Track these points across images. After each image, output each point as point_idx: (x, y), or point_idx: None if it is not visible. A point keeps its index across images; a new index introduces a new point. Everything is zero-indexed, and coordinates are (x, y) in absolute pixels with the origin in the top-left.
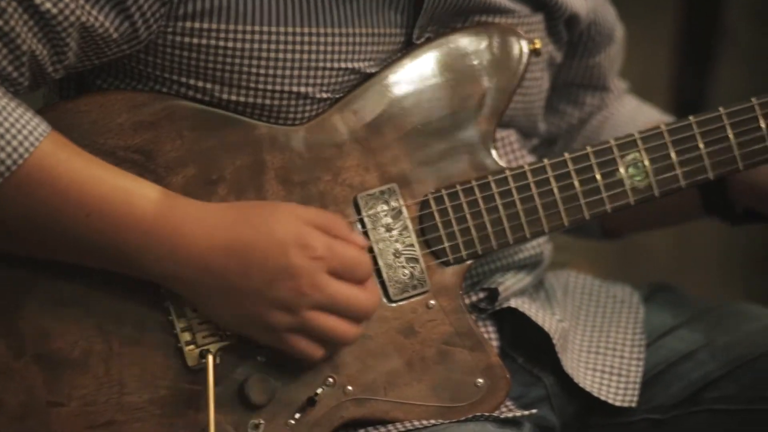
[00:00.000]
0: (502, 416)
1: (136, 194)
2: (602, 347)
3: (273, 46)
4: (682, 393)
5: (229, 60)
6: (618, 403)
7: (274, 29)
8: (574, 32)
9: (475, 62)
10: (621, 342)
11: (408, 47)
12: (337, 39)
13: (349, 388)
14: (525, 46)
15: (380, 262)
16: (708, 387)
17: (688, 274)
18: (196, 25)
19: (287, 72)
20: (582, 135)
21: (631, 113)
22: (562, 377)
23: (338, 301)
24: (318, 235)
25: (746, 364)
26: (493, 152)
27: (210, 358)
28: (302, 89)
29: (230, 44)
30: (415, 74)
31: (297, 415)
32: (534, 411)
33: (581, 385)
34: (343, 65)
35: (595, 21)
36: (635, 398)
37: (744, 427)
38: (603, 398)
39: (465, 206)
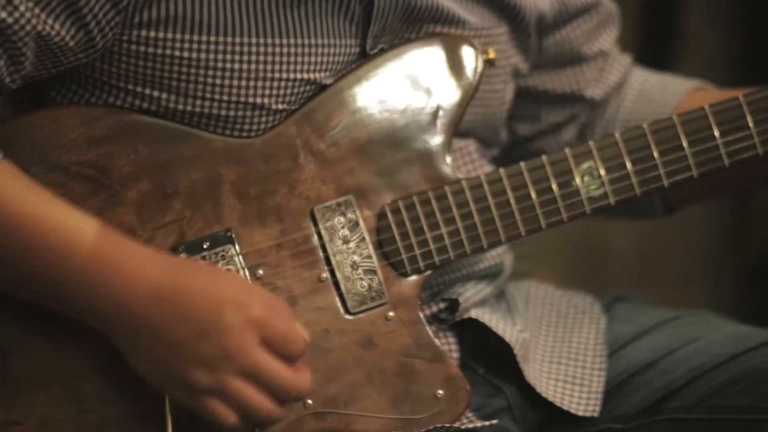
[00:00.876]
0: (462, 427)
1: (78, 233)
2: (564, 357)
3: (228, 57)
4: (644, 402)
5: (184, 70)
6: (580, 413)
7: (229, 39)
8: (543, 26)
9: (429, 73)
10: (583, 352)
11: (363, 58)
12: (292, 50)
13: (309, 401)
14: (478, 57)
15: (338, 275)
16: (669, 396)
17: (650, 283)
18: (152, 34)
19: (243, 83)
20: (606, 114)
21: (659, 86)
22: (523, 387)
23: (263, 371)
24: (259, 301)
25: (707, 374)
26: (450, 163)
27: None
28: (258, 100)
29: (185, 54)
30: (369, 86)
31: (257, 430)
32: (494, 422)
33: (543, 395)
34: (298, 76)
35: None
36: (597, 408)
37: None
38: (565, 408)
39: (422, 217)
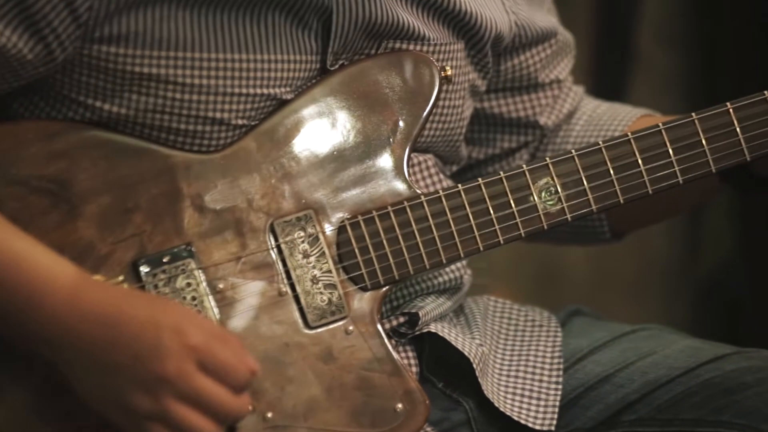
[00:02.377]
0: None
1: (21, 254)
2: (521, 371)
3: (188, 72)
4: (600, 416)
5: (144, 84)
6: (537, 427)
7: (189, 55)
8: (500, 47)
9: (387, 89)
10: (540, 366)
11: (323, 73)
12: (252, 65)
13: (269, 415)
14: (436, 73)
15: (298, 289)
16: (625, 410)
17: (606, 297)
18: (112, 49)
19: (203, 98)
20: (556, 139)
21: (609, 113)
22: (482, 401)
23: (202, 396)
24: (199, 329)
25: (662, 387)
26: (409, 178)
27: None
28: (218, 115)
29: (145, 69)
30: (329, 101)
31: None
32: None
33: (501, 408)
34: (258, 91)
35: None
36: (554, 422)
37: None
38: (523, 422)
39: (381, 232)
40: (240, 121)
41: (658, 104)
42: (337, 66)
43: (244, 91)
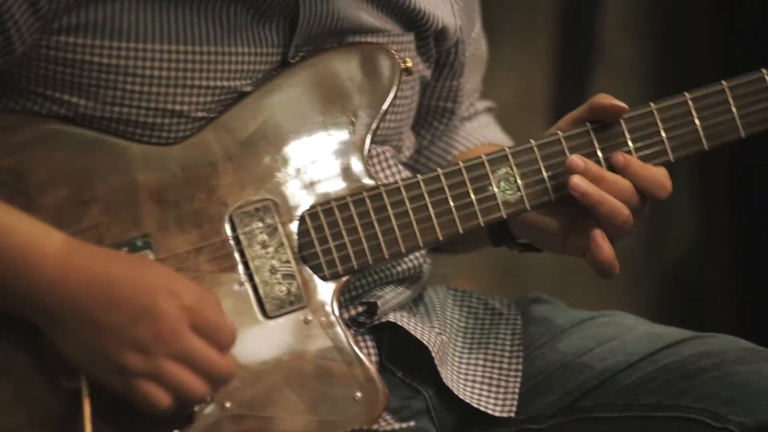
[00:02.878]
0: (380, 430)
1: (9, 225)
2: (481, 359)
3: (148, 63)
4: (559, 402)
5: (103, 76)
6: (497, 414)
7: (149, 46)
8: (442, 49)
9: (348, 81)
10: (500, 353)
11: (283, 66)
12: (213, 57)
13: (228, 404)
14: (396, 65)
15: (256, 279)
16: (585, 396)
17: (569, 286)
18: (71, 39)
19: (162, 89)
20: (424, 159)
21: (484, 131)
22: (442, 389)
23: (195, 355)
24: (191, 290)
25: (621, 372)
26: (368, 168)
27: (83, 382)
28: (177, 107)
29: (104, 60)
30: (289, 93)
31: None
32: (412, 424)
33: (461, 396)
34: (219, 83)
35: (462, 40)
36: (514, 408)
37: None
38: (483, 409)
39: (340, 222)
40: (200, 114)
41: (621, 94)
42: (297, 58)
43: (204, 83)
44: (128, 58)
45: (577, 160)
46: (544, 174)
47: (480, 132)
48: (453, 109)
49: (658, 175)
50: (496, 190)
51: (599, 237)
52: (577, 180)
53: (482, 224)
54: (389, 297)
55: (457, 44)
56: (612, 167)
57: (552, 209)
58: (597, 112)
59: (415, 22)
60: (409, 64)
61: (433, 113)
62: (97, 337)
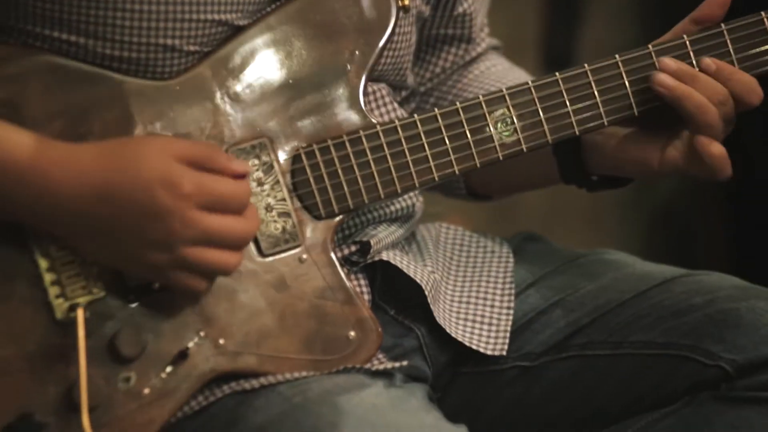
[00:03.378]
0: (373, 369)
1: (11, 140)
2: (473, 297)
3: None
4: (551, 340)
5: (92, 12)
6: (489, 352)
7: None
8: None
9: (345, 18)
10: (491, 292)
11: (275, 1)
12: None
13: (221, 341)
14: (393, 2)
15: None
16: (575, 334)
17: (560, 226)
18: None
19: (153, 24)
20: (453, 91)
21: (502, 73)
22: (434, 327)
23: (212, 233)
24: (185, 172)
25: (612, 311)
26: (365, 107)
27: (80, 311)
28: (169, 41)
29: None
30: (285, 29)
31: (168, 369)
32: (405, 363)
33: (453, 335)
34: (209, 17)
35: None
36: (505, 347)
37: (611, 371)
38: (474, 347)
39: (336, 161)
40: (192, 47)
41: (613, 37)
42: None
43: (195, 16)
44: None
45: (668, 60)
46: (541, 115)
47: (509, 74)
48: (467, 37)
49: (751, 80)
50: (493, 131)
51: (703, 137)
52: (662, 76)
53: (478, 166)
54: (382, 236)
55: None
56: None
57: (641, 129)
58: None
59: None
60: (407, 2)
61: (444, 41)
62: (115, 243)
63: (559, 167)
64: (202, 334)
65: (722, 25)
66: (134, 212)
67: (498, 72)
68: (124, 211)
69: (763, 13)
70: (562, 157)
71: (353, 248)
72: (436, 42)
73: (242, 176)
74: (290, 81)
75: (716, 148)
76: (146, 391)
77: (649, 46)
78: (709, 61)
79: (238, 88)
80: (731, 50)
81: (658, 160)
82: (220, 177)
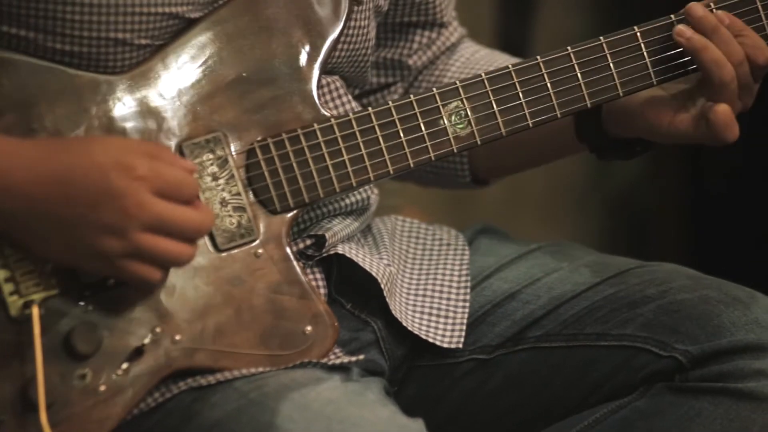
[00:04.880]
0: (329, 363)
1: None
2: (429, 290)
3: None
4: (507, 332)
5: (41, 6)
6: (445, 345)
7: None
8: None
9: (297, 10)
10: (447, 284)
11: None
12: None
13: (177, 337)
14: None
15: None
16: (531, 326)
17: (517, 216)
18: None
19: (102, 18)
20: (443, 78)
21: (490, 56)
22: (390, 321)
23: (167, 219)
24: (139, 157)
25: (568, 302)
26: (319, 100)
27: (35, 308)
28: (119, 35)
29: None
30: (237, 22)
31: (124, 365)
32: (361, 357)
33: (409, 328)
34: (159, 10)
35: None
36: (461, 339)
37: (566, 362)
38: (431, 340)
39: (291, 155)
40: (143, 41)
41: (568, 26)
42: None
43: (144, 9)
44: None
45: (697, 5)
46: (495, 108)
47: (497, 58)
48: (437, 21)
49: (760, 40)
50: (446, 123)
51: (721, 109)
52: (681, 27)
53: (433, 159)
54: (337, 229)
55: None
56: None
57: (661, 89)
58: None
59: None
60: None
61: (411, 26)
62: (67, 232)
63: (575, 125)
64: (157, 330)
65: None
66: (87, 194)
67: (485, 56)
68: (76, 193)
69: None
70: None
71: (308, 242)
72: (402, 27)
73: (190, 171)
74: (243, 74)
75: (722, 107)
76: (102, 387)
77: (601, 38)
78: (722, 14)
79: (192, 81)
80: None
81: (668, 121)
82: (170, 165)
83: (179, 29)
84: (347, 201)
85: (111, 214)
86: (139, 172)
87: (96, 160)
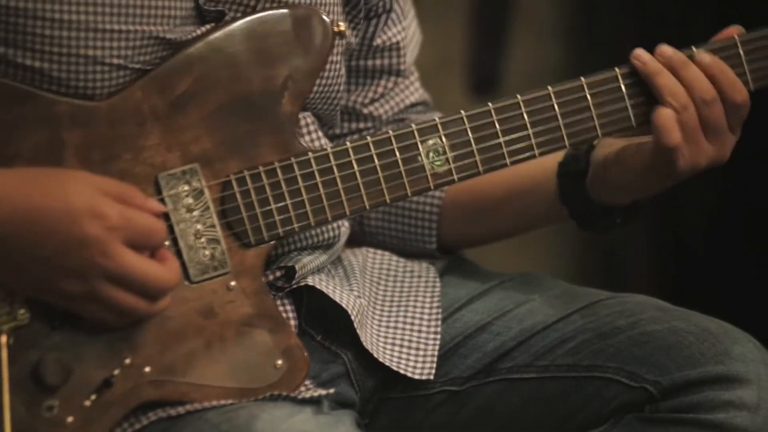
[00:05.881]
0: (299, 397)
1: None
2: (400, 322)
3: (57, 6)
4: (478, 364)
5: (12, 20)
6: (416, 376)
7: None
8: (370, 5)
9: (281, 43)
10: (419, 316)
11: (199, 12)
12: (124, 1)
13: (147, 369)
14: (329, 28)
15: (181, 243)
16: (502, 357)
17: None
18: None
19: (73, 33)
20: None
21: None
22: (361, 353)
23: (130, 273)
24: (113, 204)
25: (538, 333)
26: (297, 134)
27: (3, 338)
28: (90, 52)
29: (12, 3)
30: (219, 53)
31: (93, 397)
32: (331, 391)
33: (380, 359)
34: (131, 27)
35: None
36: (432, 371)
37: (537, 394)
38: (402, 372)
39: (267, 188)
40: (116, 60)
41: (540, 56)
42: (212, 7)
43: (116, 27)
44: (36, 1)
45: (666, 46)
46: (474, 146)
47: None
48: (395, 69)
49: (738, 80)
50: (425, 160)
51: (662, 111)
52: (640, 50)
53: (410, 195)
54: (306, 260)
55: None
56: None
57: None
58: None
59: None
60: (342, 28)
61: (372, 70)
62: (33, 268)
63: (560, 190)
64: (127, 361)
65: (735, 36)
66: (58, 238)
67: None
68: (47, 235)
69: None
70: (564, 181)
71: (278, 273)
72: (360, 71)
73: (158, 215)
74: (223, 106)
75: (663, 110)
76: (70, 419)
77: (581, 78)
78: (705, 54)
79: (170, 112)
80: (744, 61)
81: (635, 148)
82: (141, 212)
83: (157, 52)
84: (317, 233)
85: (77, 260)
86: (111, 222)
87: (70, 206)
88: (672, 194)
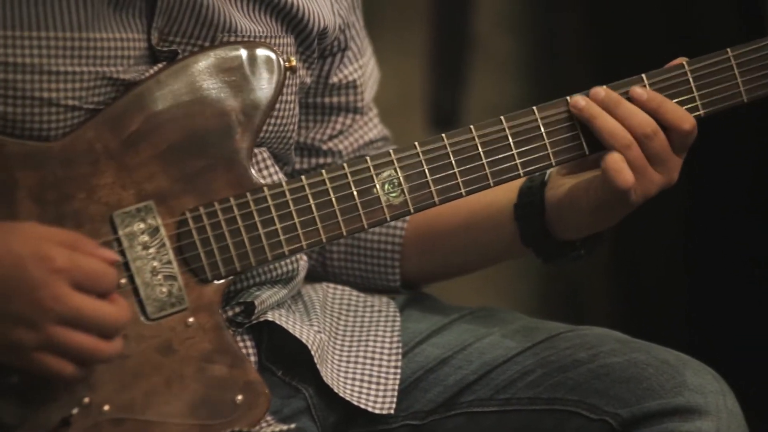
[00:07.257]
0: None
1: None
2: (361, 357)
3: (9, 51)
4: (439, 398)
5: None
6: (377, 411)
7: (9, 33)
8: (324, 45)
9: (232, 78)
10: (379, 351)
11: (152, 52)
12: (75, 43)
13: (106, 407)
14: (280, 63)
15: (137, 281)
16: (464, 391)
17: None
18: None
19: (27, 77)
20: None
21: None
22: (322, 388)
23: (83, 314)
24: (59, 249)
25: (499, 367)
26: (251, 169)
27: None
28: (45, 95)
29: None
30: (171, 90)
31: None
32: (293, 426)
33: (341, 394)
34: (85, 69)
35: (344, 34)
36: (393, 405)
37: (498, 427)
38: (363, 406)
39: (223, 224)
40: (70, 102)
41: (498, 90)
42: (166, 47)
43: (69, 69)
44: None
45: (599, 87)
46: (428, 177)
47: None
48: (352, 106)
49: (680, 108)
50: (380, 192)
51: (609, 156)
52: (577, 97)
53: (366, 227)
54: (266, 296)
55: (339, 38)
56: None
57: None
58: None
59: (293, 23)
60: (293, 63)
61: (329, 108)
62: None
63: (520, 230)
64: (85, 401)
65: (684, 64)
66: (2, 286)
67: None
68: None
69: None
70: (523, 224)
71: (237, 309)
72: (318, 108)
73: (110, 262)
74: (176, 143)
75: (612, 154)
76: None
77: (534, 108)
78: (640, 90)
79: (123, 150)
80: (693, 87)
81: (585, 194)
82: (89, 256)
83: (111, 92)
84: (276, 268)
85: (25, 306)
86: (57, 264)
87: (13, 250)
88: (629, 225)
